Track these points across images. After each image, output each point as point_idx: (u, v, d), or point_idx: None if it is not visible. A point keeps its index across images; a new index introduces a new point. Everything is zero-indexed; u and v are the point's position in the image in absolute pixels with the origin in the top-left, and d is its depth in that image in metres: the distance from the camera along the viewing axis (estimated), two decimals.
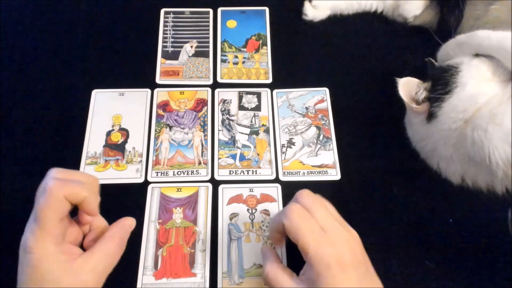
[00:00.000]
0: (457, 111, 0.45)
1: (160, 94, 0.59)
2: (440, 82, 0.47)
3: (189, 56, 0.62)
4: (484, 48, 0.47)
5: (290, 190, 0.52)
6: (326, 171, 0.54)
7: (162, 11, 0.66)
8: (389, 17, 0.65)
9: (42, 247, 0.38)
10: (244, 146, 0.55)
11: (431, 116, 0.47)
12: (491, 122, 0.42)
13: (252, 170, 0.54)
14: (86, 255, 0.40)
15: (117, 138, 0.55)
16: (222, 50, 0.63)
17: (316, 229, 0.39)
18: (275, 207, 0.51)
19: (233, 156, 0.55)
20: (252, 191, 0.52)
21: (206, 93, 0.59)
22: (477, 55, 0.48)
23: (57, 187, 0.38)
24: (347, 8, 0.65)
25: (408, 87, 0.49)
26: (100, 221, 0.44)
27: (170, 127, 0.56)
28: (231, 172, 0.53)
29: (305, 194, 0.42)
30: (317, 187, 0.52)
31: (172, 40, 0.63)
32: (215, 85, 0.60)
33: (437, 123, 0.46)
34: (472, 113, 0.44)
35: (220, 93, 0.59)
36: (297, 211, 0.40)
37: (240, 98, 0.59)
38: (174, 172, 0.53)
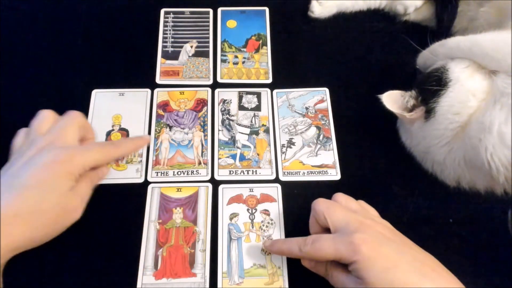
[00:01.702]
0: (452, 111, 0.45)
1: (160, 94, 0.59)
2: (432, 79, 0.47)
3: (189, 56, 0.62)
4: (457, 55, 0.48)
5: (290, 190, 0.52)
6: (326, 171, 0.54)
7: (162, 11, 0.66)
8: (390, 11, 0.65)
9: (80, 163, 0.41)
10: (244, 146, 0.55)
11: (429, 113, 0.47)
12: (482, 131, 0.42)
13: (252, 170, 0.54)
14: (83, 184, 0.43)
15: (117, 138, 0.55)
16: (222, 50, 0.63)
17: (344, 209, 0.43)
18: (275, 207, 0.51)
19: (233, 156, 0.55)
20: (252, 191, 0.52)
21: (206, 93, 0.59)
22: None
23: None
24: (353, 6, 0.65)
25: (393, 99, 0.49)
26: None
27: (170, 127, 0.56)
28: (231, 172, 0.53)
29: (338, 194, 0.46)
30: (317, 187, 0.52)
31: (172, 40, 0.63)
32: (215, 85, 0.60)
33: (435, 122, 0.47)
34: (466, 118, 0.45)
35: (220, 93, 0.59)
36: (324, 200, 0.44)
37: (240, 98, 0.59)
38: (174, 172, 0.53)
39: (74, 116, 0.45)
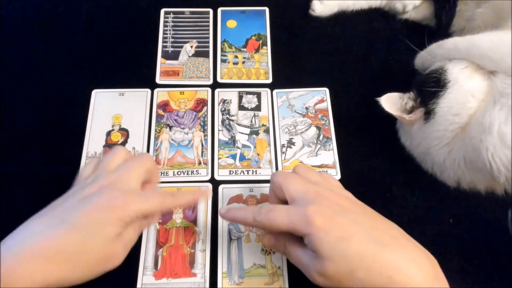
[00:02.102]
0: (452, 113, 0.45)
1: (160, 94, 0.59)
2: (431, 81, 0.47)
3: (189, 56, 0.62)
4: (455, 56, 0.48)
5: None
6: (326, 171, 0.54)
7: (162, 11, 0.66)
8: (389, 10, 0.65)
9: (132, 212, 0.40)
10: (244, 146, 0.55)
11: (429, 114, 0.47)
12: (482, 132, 0.42)
13: (252, 170, 0.54)
14: (130, 230, 0.42)
15: (117, 138, 0.55)
16: (222, 50, 0.63)
17: (303, 180, 0.41)
18: None
19: (233, 156, 0.55)
20: (252, 191, 0.52)
21: (206, 93, 0.59)
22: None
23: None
24: (354, 5, 0.65)
25: (391, 101, 0.49)
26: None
27: (170, 127, 0.56)
28: (231, 172, 0.53)
29: (299, 165, 0.45)
30: None
31: (172, 40, 0.63)
32: (215, 85, 0.60)
33: (434, 123, 0.47)
34: (465, 118, 0.45)
35: (220, 93, 0.59)
36: (283, 171, 0.43)
37: (240, 98, 0.59)
38: (174, 172, 0.53)
39: (143, 159, 0.45)
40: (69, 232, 0.38)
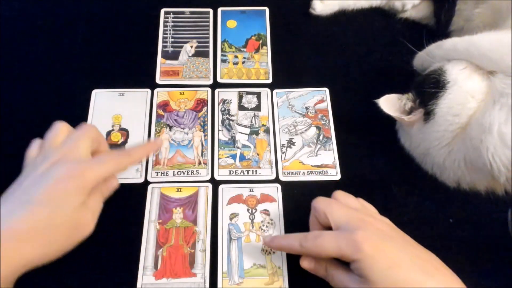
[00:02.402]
0: (451, 113, 0.45)
1: (160, 94, 0.59)
2: (430, 82, 0.47)
3: (189, 56, 0.62)
4: (454, 57, 0.48)
5: (290, 190, 0.52)
6: (326, 171, 0.54)
7: (162, 11, 0.66)
8: (389, 9, 0.65)
9: (92, 178, 0.41)
10: (244, 146, 0.55)
11: (428, 115, 0.47)
12: (482, 132, 0.42)
13: (252, 170, 0.54)
14: (94, 198, 0.43)
15: (117, 138, 0.55)
16: (222, 50, 0.63)
17: (345, 206, 0.43)
18: (275, 207, 0.51)
19: (233, 156, 0.55)
20: (252, 191, 0.52)
21: (206, 93, 0.59)
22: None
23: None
24: (354, 4, 0.65)
25: (390, 103, 0.49)
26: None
27: (170, 127, 0.56)
28: (231, 172, 0.53)
29: (338, 191, 0.46)
30: (317, 187, 0.52)
31: (172, 40, 0.63)
32: (215, 85, 0.60)
33: (434, 124, 0.47)
34: (465, 119, 0.45)
35: (220, 93, 0.59)
36: (324, 198, 0.44)
37: (240, 98, 0.59)
38: (174, 172, 0.53)
39: (87, 129, 0.45)
40: (35, 210, 0.39)
